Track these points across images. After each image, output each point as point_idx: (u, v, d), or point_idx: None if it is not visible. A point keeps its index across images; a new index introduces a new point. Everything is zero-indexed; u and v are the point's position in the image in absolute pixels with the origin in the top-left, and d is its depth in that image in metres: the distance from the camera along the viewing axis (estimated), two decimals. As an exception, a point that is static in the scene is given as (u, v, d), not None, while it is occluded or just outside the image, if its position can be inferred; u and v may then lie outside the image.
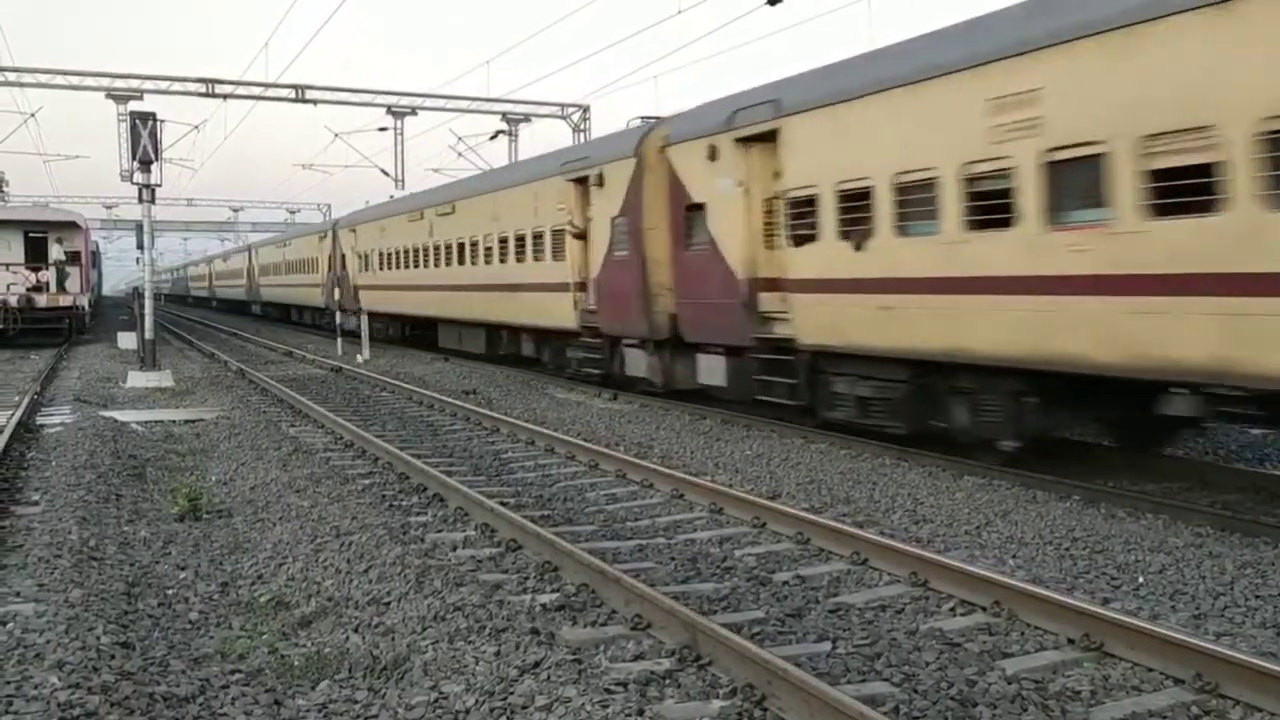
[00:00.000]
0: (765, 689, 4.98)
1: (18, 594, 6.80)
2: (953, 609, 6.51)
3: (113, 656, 5.60)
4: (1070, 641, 5.83)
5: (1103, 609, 6.05)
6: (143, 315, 23.37)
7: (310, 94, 38.81)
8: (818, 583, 7.12)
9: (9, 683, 5.20)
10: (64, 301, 31.87)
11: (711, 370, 14.56)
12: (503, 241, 21.37)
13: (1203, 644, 5.38)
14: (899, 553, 7.28)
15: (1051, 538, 8.10)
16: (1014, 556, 7.65)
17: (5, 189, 63.01)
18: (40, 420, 15.13)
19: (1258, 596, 6.61)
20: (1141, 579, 7.05)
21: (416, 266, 27.22)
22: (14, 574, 7.29)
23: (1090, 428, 11.90)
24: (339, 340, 29.36)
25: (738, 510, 9.02)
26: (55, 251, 32.99)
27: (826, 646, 5.83)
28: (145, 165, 22.26)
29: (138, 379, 20.73)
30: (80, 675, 5.23)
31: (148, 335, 23.08)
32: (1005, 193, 9.65)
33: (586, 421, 14.75)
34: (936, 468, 10.82)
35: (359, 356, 26.31)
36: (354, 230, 33.96)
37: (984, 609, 6.38)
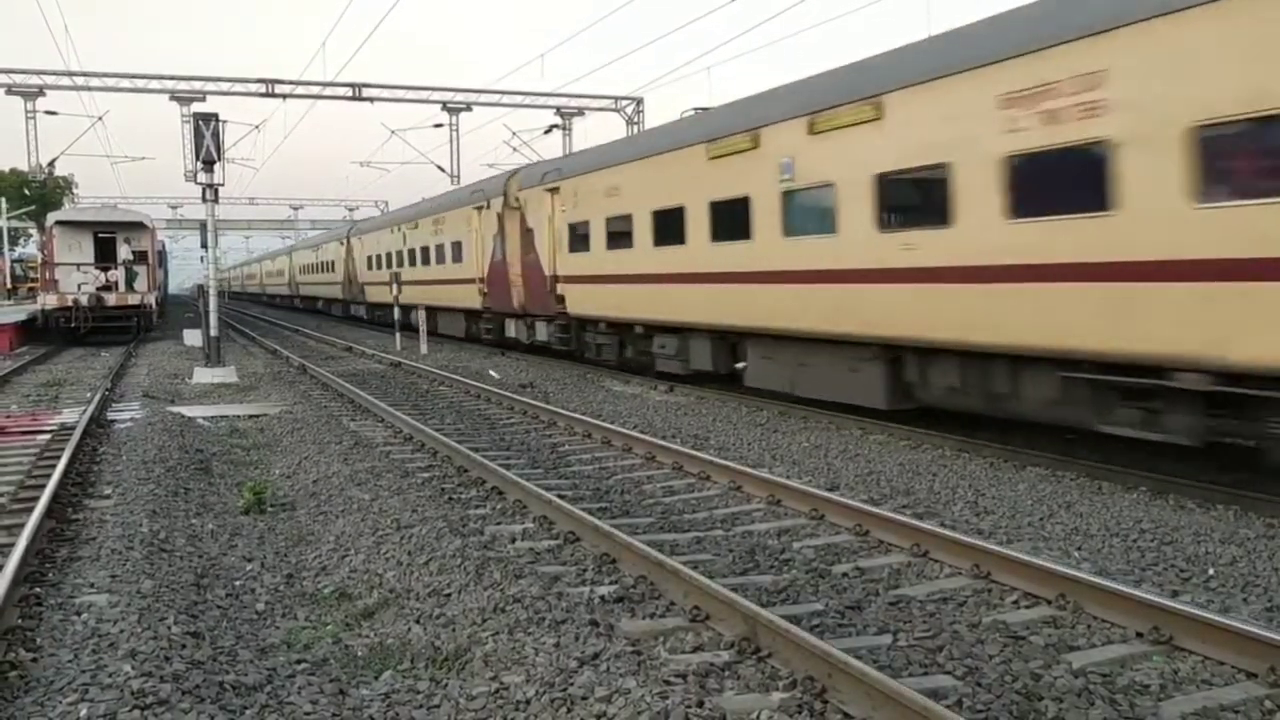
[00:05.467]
0: (826, 681, 4.95)
1: (92, 585, 6.99)
2: (1016, 601, 6.42)
3: (183, 646, 5.73)
4: (1138, 635, 5.72)
5: (1172, 601, 5.93)
6: (207, 313, 23.86)
7: (367, 92, 39.31)
8: (878, 575, 7.05)
9: (84, 671, 5.35)
10: (132, 300, 32.44)
11: (540, 331, 23.02)
12: (440, 248, 29.78)
13: (1276, 637, 5.23)
14: (960, 545, 7.18)
15: (1118, 529, 7.94)
16: (1079, 548, 7.52)
17: (75, 191, 64.74)
18: (111, 416, 15.52)
19: (1335, 589, 6.43)
20: (1212, 571, 6.89)
21: (396, 266, 34.82)
22: (88, 565, 7.49)
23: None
24: (397, 335, 29.72)
25: (796, 502, 8.97)
26: (123, 251, 33.71)
27: (887, 639, 5.78)
28: (208, 165, 22.72)
29: (203, 375, 21.18)
30: (152, 664, 5.36)
31: (212, 333, 23.57)
32: (629, 230, 17.81)
33: (643, 414, 14.76)
34: (998, 459, 10.68)
35: (420, 350, 26.63)
36: (360, 238, 42.39)
37: (1049, 601, 6.29)
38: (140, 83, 37.89)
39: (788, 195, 13.22)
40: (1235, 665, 5.26)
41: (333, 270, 48.30)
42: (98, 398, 16.69)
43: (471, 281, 26.54)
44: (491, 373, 13.99)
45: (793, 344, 13.69)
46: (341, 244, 46.17)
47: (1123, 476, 9.55)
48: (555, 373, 20.90)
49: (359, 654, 5.97)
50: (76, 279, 32.72)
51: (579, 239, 19.86)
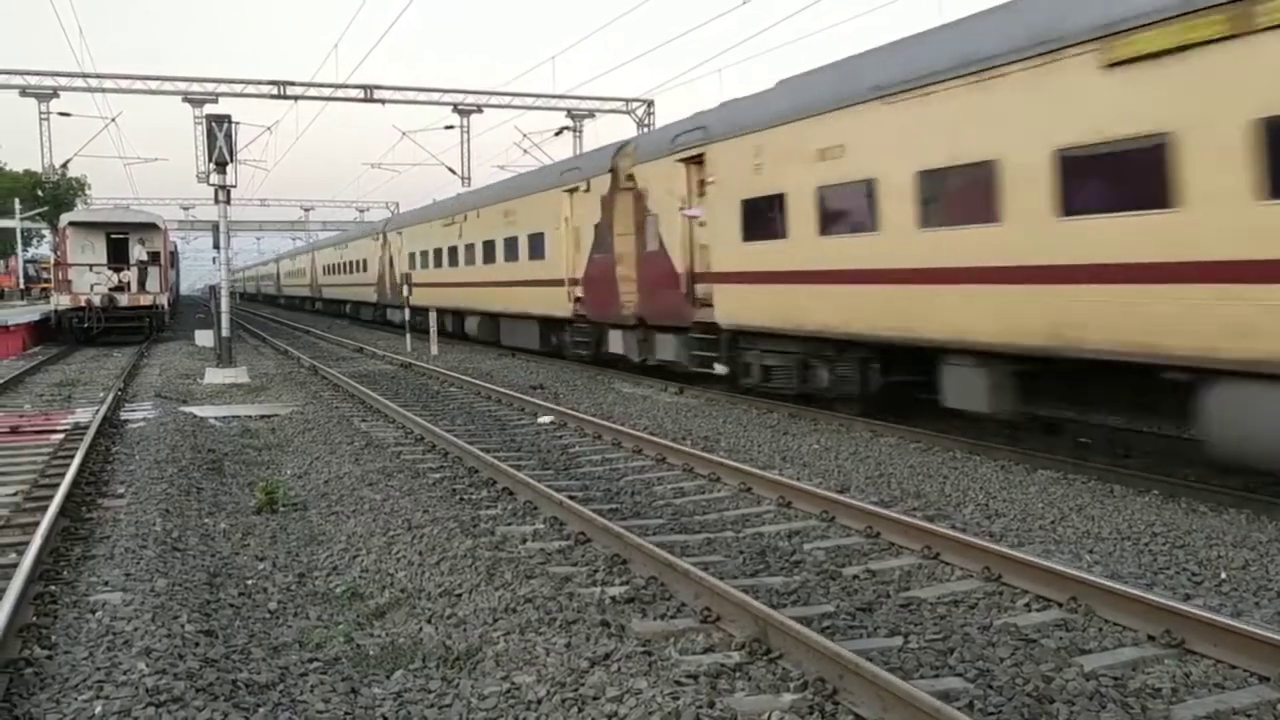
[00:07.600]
0: (837, 683, 4.95)
1: (106, 583, 7.03)
2: (1028, 604, 6.41)
3: (196, 644, 5.76)
4: (1150, 638, 5.71)
5: (1184, 605, 5.91)
6: (219, 314, 23.96)
7: (379, 94, 39.40)
8: (888, 577, 7.05)
9: (99, 668, 5.39)
10: (145, 301, 32.54)
11: (402, 316, 33.05)
12: (360, 262, 44.76)
13: (1289, 642, 5.24)
14: (972, 547, 7.18)
15: (1130, 532, 7.93)
16: (1091, 551, 7.50)
17: (88, 192, 65.03)
18: (124, 416, 15.60)
19: (1348, 594, 6.41)
20: (1224, 574, 6.88)
21: (341, 274, 49.61)
22: (102, 564, 7.53)
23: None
24: (408, 336, 29.83)
25: (806, 504, 8.97)
26: (136, 252, 33.83)
27: (898, 641, 5.78)
28: (221, 167, 22.81)
29: (215, 375, 21.27)
30: (166, 662, 5.39)
31: (224, 333, 23.66)
32: (440, 256, 32.21)
33: (653, 415, 14.78)
34: (1009, 461, 10.66)
35: (431, 351, 26.69)
36: (320, 252, 58.20)
37: (1060, 605, 6.28)
38: (153, 84, 38.06)
39: (454, 248, 29.52)
40: (1247, 669, 5.25)
41: (304, 276, 64.53)
42: (110, 398, 16.78)
43: (371, 284, 41.83)
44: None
45: (493, 317, 27.58)
46: (309, 255, 62.84)
47: (1135, 480, 9.53)
48: (565, 374, 20.93)
49: (371, 653, 5.99)
50: (89, 279, 32.87)
51: (420, 260, 33.65)
